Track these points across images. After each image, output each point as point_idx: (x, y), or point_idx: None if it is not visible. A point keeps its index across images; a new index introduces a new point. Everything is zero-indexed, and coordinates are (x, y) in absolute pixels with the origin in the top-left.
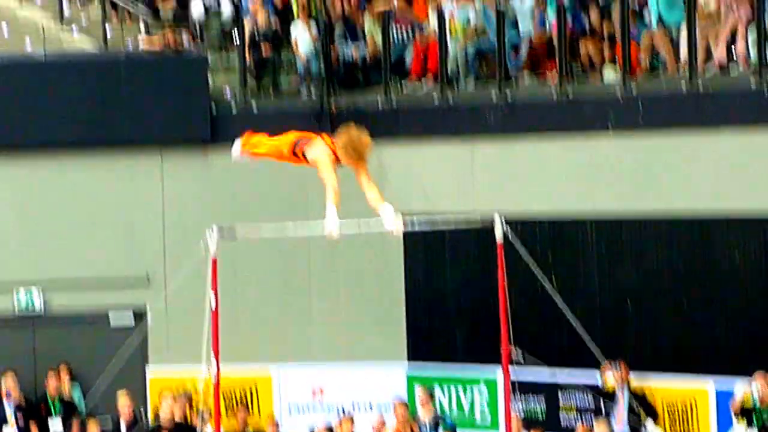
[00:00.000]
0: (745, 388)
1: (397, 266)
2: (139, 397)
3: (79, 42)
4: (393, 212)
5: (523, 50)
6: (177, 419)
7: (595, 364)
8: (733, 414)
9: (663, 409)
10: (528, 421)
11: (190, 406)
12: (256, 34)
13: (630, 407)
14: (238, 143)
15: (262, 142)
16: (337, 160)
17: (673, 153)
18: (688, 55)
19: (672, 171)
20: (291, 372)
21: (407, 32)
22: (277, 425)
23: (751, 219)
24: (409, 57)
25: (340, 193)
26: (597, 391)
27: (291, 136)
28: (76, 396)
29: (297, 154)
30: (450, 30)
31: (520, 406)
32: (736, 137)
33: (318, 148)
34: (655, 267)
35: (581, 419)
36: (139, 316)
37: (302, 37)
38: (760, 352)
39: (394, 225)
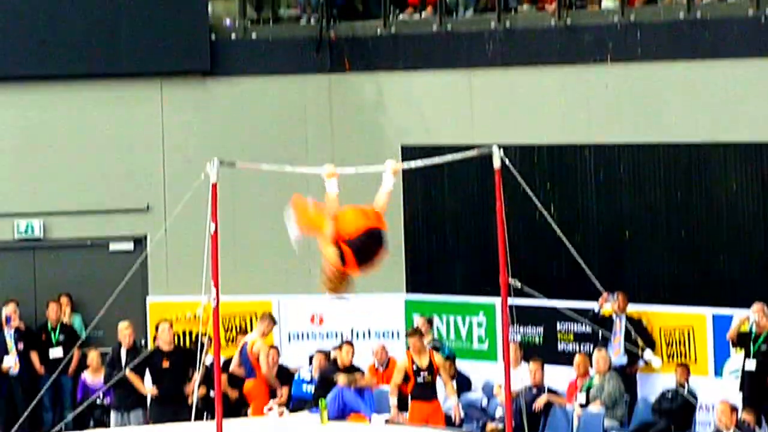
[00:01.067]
0: (741, 316)
1: (395, 197)
2: (140, 326)
3: None
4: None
5: None
6: (176, 343)
7: (594, 294)
8: (730, 342)
9: (660, 338)
10: (526, 348)
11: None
12: None
13: (627, 336)
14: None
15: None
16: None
17: (671, 81)
18: None
19: (669, 99)
20: (290, 300)
21: None
22: (277, 351)
23: (748, 146)
24: None
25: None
26: (594, 319)
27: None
28: (77, 324)
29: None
30: None
31: (518, 336)
32: (734, 65)
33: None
34: (654, 195)
35: (579, 347)
36: (140, 245)
37: None
38: (758, 282)
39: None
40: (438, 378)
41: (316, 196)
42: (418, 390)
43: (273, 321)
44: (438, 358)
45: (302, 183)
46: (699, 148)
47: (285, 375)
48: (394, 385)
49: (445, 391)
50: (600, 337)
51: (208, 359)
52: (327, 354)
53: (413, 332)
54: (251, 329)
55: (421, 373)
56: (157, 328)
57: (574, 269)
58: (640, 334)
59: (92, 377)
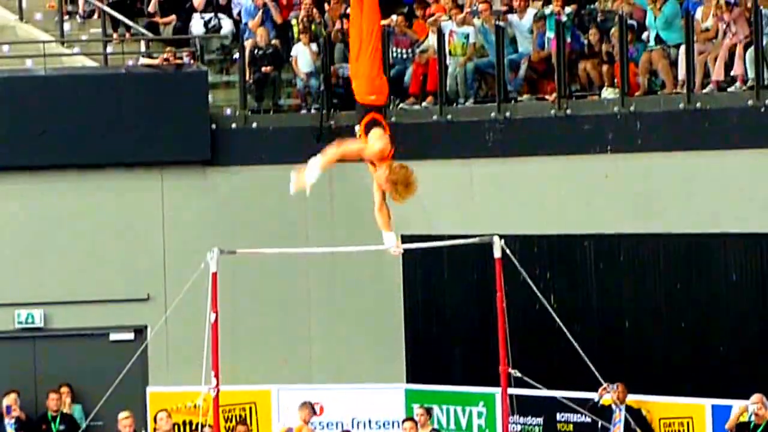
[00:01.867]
0: (741, 406)
1: (396, 287)
2: (140, 415)
3: (79, 60)
4: (395, 238)
5: (522, 70)
6: None
7: (594, 384)
8: None
9: (660, 428)
10: None
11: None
12: (256, 52)
13: (627, 426)
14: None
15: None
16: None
17: (671, 172)
18: (686, 75)
19: (670, 190)
20: (290, 390)
21: (406, 52)
22: None
23: (748, 238)
24: (408, 76)
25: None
26: (594, 410)
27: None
28: (77, 414)
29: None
30: (449, 49)
31: (518, 426)
32: (734, 156)
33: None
34: (653, 285)
35: None
36: (140, 335)
37: (302, 55)
38: (757, 373)
39: (394, 245)
40: None
41: (317, 285)
42: None
43: (313, 409)
44: None
45: (303, 273)
46: (699, 239)
47: None
48: None
49: None
50: (600, 428)
51: None
52: None
53: (407, 420)
54: (251, 419)
55: None
56: (155, 418)
57: (574, 359)
58: (639, 425)
59: None
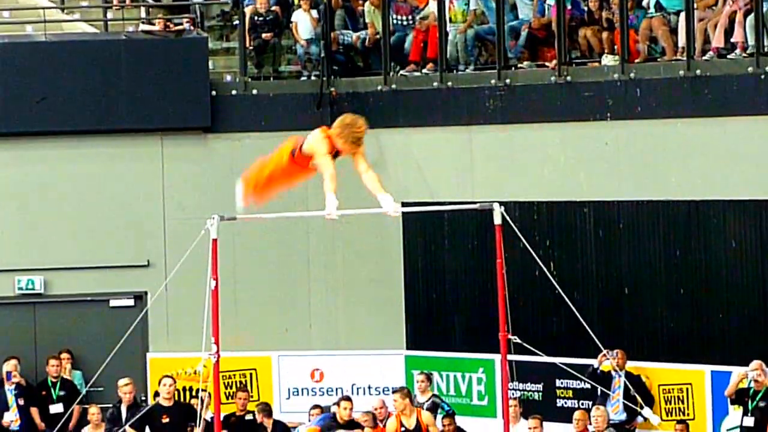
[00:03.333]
0: (740, 373)
1: (396, 254)
2: (140, 381)
3: (79, 27)
4: (392, 200)
5: (522, 37)
6: (176, 399)
7: (593, 351)
8: (728, 399)
9: (659, 395)
10: (525, 405)
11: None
12: (256, 18)
13: (626, 392)
14: (240, 188)
15: (263, 163)
16: (333, 149)
17: (671, 138)
18: (686, 42)
19: (669, 156)
20: (290, 356)
21: (407, 19)
22: (270, 412)
23: (748, 205)
24: (409, 43)
25: (338, 181)
26: (593, 376)
27: (288, 143)
28: (77, 380)
29: (296, 158)
30: (449, 16)
31: (518, 392)
32: (734, 123)
33: (312, 138)
34: (653, 252)
35: (578, 404)
36: (140, 301)
37: (303, 21)
38: (757, 339)
39: (392, 206)
40: None
41: (317, 252)
42: None
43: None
44: (426, 417)
45: (303, 240)
46: (698, 205)
47: (284, 431)
48: None
49: None
50: (599, 394)
51: (208, 415)
52: (324, 410)
53: (398, 390)
54: (251, 385)
55: None
56: (159, 382)
57: (574, 326)
58: (639, 391)
59: None
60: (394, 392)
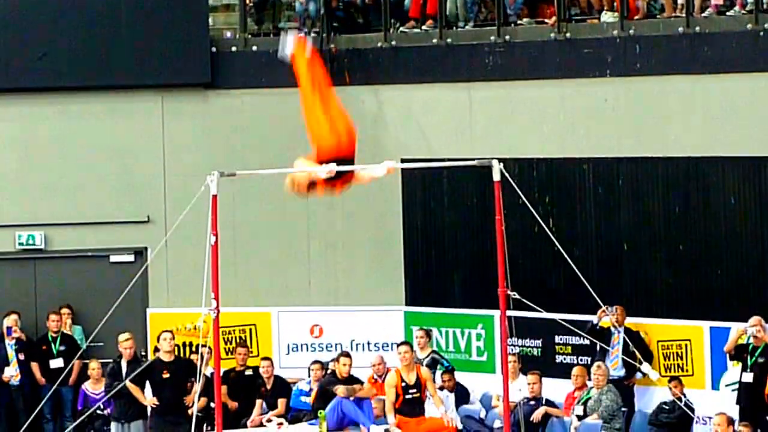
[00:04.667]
0: (739, 329)
1: (394, 211)
2: (140, 337)
3: None
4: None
5: None
6: (176, 354)
7: (592, 307)
8: (727, 355)
9: (658, 350)
10: (524, 361)
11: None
12: None
13: (625, 348)
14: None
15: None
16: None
17: (670, 95)
18: None
19: (669, 113)
20: (290, 312)
21: None
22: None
23: (747, 161)
24: (408, 0)
25: None
26: (592, 332)
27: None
28: (78, 335)
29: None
30: None
31: (517, 348)
32: (733, 80)
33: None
34: (652, 209)
35: (577, 360)
36: (140, 257)
37: None
38: (756, 295)
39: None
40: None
41: (316, 209)
42: (406, 406)
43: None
44: (425, 372)
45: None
46: (697, 162)
47: (283, 386)
48: (389, 403)
49: (433, 403)
50: (598, 350)
51: (208, 370)
52: (324, 365)
53: (404, 343)
54: (250, 341)
55: (410, 390)
56: (158, 338)
57: (573, 282)
58: (638, 347)
59: (93, 388)
60: (400, 345)
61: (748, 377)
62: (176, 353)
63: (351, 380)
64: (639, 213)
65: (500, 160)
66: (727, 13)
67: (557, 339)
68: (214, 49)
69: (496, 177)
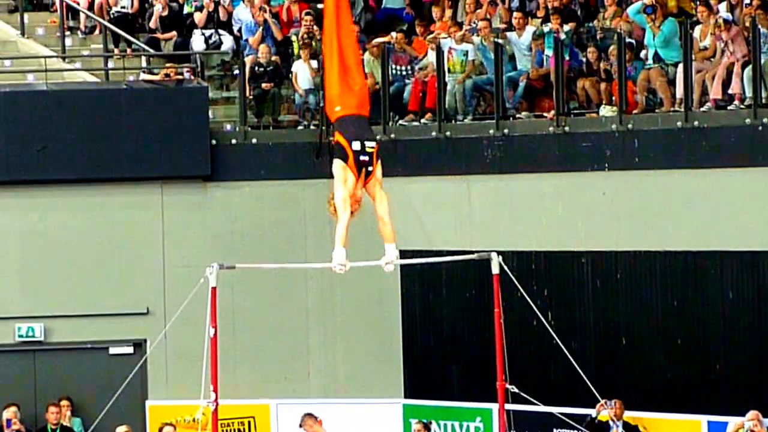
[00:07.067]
0: (737, 423)
1: (394, 302)
2: (139, 429)
3: (81, 76)
4: (395, 253)
5: (521, 87)
6: None
7: (591, 401)
8: None
9: None
10: None
11: None
12: (256, 68)
13: None
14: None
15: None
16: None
17: (668, 189)
18: (684, 93)
19: (667, 207)
20: (289, 404)
21: (406, 69)
22: None
23: (745, 256)
24: (408, 93)
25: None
26: (591, 426)
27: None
28: (77, 427)
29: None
30: (448, 66)
31: None
32: (731, 174)
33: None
34: (650, 302)
35: None
36: (140, 348)
37: (302, 71)
38: (753, 390)
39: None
40: None
41: (315, 301)
42: None
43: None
44: None
45: (302, 289)
46: (696, 256)
47: None
48: None
49: None
50: None
51: None
52: None
53: None
54: None
55: None
56: (161, 431)
57: (572, 375)
58: None
59: None
60: None
61: None
62: None
63: None
64: (637, 306)
65: (499, 252)
66: (726, 108)
67: None
68: (214, 142)
69: (495, 270)
